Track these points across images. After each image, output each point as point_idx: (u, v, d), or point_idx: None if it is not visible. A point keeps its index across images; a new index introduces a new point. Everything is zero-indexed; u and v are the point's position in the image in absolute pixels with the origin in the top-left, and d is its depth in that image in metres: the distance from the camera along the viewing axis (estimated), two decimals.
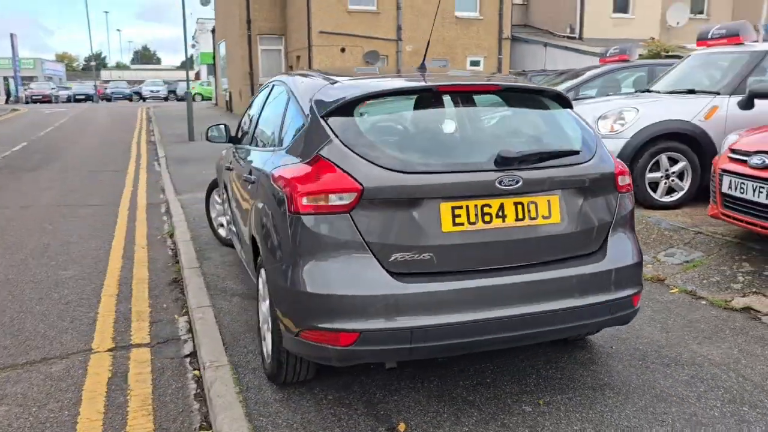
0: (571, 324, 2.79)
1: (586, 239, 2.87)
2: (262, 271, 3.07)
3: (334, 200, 2.62)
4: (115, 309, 4.50)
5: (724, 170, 4.79)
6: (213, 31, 37.21)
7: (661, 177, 6.29)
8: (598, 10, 25.86)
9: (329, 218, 2.63)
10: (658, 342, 3.65)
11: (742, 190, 4.59)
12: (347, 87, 3.00)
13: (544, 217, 2.76)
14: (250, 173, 3.56)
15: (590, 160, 2.90)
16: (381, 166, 2.63)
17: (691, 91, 6.64)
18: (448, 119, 2.95)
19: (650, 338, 3.70)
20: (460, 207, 2.66)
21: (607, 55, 9.73)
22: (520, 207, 2.74)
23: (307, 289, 2.64)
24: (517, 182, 2.69)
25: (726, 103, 6.30)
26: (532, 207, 2.75)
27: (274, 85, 4.07)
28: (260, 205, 3.14)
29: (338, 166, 2.66)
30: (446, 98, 2.96)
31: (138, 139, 17.93)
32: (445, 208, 2.64)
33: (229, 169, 4.73)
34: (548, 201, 2.79)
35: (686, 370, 3.28)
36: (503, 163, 2.70)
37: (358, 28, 21.93)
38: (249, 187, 3.56)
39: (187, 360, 3.66)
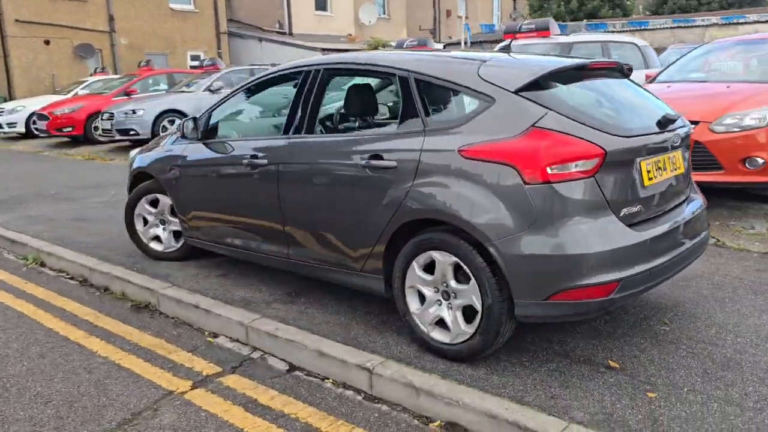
0: (698, 254, 3.49)
1: (689, 184, 3.61)
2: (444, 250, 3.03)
3: (579, 166, 2.80)
4: None
5: None
6: None
7: None
8: (302, 7, 27.23)
9: (575, 183, 2.79)
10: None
11: None
12: (523, 63, 3.14)
13: (677, 168, 3.39)
14: (371, 158, 3.33)
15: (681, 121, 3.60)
16: (606, 132, 2.90)
17: None
18: (605, 90, 3.34)
19: None
20: (650, 163, 3.11)
21: (405, 47, 10.72)
22: (673, 160, 3.32)
23: (565, 251, 2.77)
24: (678, 141, 3.27)
25: None
26: (675, 160, 3.35)
27: (323, 72, 3.74)
28: (449, 184, 3.04)
29: (571, 135, 2.83)
30: (591, 73, 3.35)
31: None
32: (644, 165, 3.06)
33: (233, 168, 4.17)
34: (681, 154, 3.43)
35: None
36: (665, 125, 3.24)
37: (65, 18, 19.19)
38: (373, 173, 3.34)
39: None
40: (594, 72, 3.39)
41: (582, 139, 2.81)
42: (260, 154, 3.93)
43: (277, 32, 26.65)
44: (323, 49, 25.70)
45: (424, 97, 3.26)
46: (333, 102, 4.15)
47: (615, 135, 2.90)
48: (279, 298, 4.16)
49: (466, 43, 18.73)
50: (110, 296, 4.66)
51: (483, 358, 3.16)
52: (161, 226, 4.99)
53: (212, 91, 12.72)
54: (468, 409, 2.80)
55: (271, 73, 4.14)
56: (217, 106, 4.44)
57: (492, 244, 2.88)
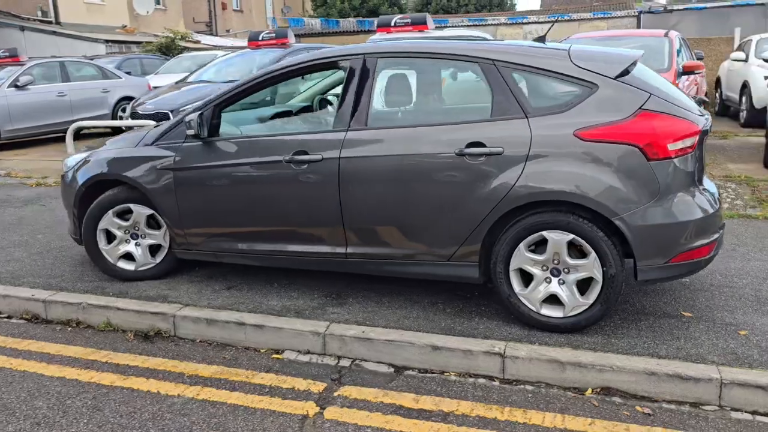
0: None
1: None
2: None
3: (687, 142, 3.16)
4: None
5: None
6: None
7: None
8: None
9: (685, 158, 3.14)
10: None
11: None
12: (608, 52, 3.38)
13: None
14: (468, 146, 3.29)
15: None
16: (691, 112, 3.29)
17: None
18: (656, 77, 3.71)
19: None
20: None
21: (260, 38, 10.23)
22: None
23: (683, 218, 3.12)
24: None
25: None
26: None
27: (381, 60, 3.60)
28: (568, 166, 3.15)
29: (675, 115, 3.16)
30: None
31: None
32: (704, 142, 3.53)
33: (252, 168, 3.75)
34: None
35: None
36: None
37: None
38: (471, 161, 3.32)
39: None
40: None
41: (684, 118, 3.19)
42: (310, 151, 3.62)
43: (40, 21, 23.27)
44: (106, 41, 23.20)
45: (519, 84, 3.35)
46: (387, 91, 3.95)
47: (696, 115, 3.33)
48: (324, 302, 3.89)
49: None
50: (91, 330, 3.88)
51: (591, 327, 3.39)
52: (133, 242, 4.26)
53: (18, 87, 10.81)
54: (621, 372, 3.01)
55: (306, 61, 3.82)
56: (224, 100, 3.95)
57: (620, 218, 3.11)
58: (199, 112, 3.85)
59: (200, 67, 11.09)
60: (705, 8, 15.90)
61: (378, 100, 3.63)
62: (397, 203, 3.50)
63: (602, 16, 16.30)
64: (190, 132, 3.81)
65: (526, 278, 3.39)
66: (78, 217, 4.32)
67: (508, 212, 3.30)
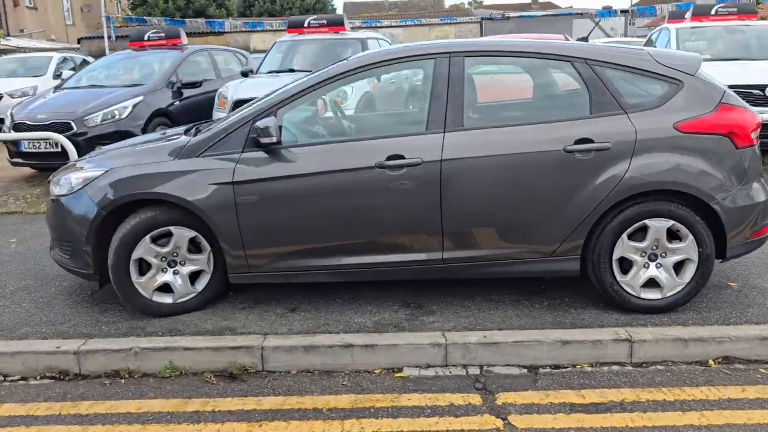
0: None
1: None
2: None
3: (758, 132, 3.57)
4: None
5: None
6: None
7: None
8: None
9: (757, 146, 3.57)
10: None
11: None
12: (677, 52, 3.67)
13: None
14: (577, 143, 3.37)
15: None
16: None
17: None
18: None
19: None
20: None
21: (146, 38, 9.16)
22: None
23: (761, 199, 3.52)
24: None
25: None
26: None
27: (459, 63, 3.51)
28: (670, 157, 3.37)
29: (747, 109, 3.56)
30: None
31: None
32: None
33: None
34: None
35: None
36: None
37: None
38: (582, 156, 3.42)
39: None
40: None
41: (751, 111, 3.60)
42: (407, 155, 3.44)
43: None
44: None
45: (613, 82, 3.51)
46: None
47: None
48: (411, 312, 3.71)
49: (110, 37, 16.77)
50: (153, 379, 3.29)
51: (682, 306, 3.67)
52: (170, 270, 3.68)
53: None
54: (738, 341, 3.32)
55: (384, 59, 3.60)
56: (288, 102, 3.58)
57: (717, 202, 3.43)
58: (270, 116, 3.45)
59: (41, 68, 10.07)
60: (537, 16, 17.68)
61: (470, 99, 3.55)
62: (501, 204, 3.48)
63: (449, 21, 17.35)
64: (267, 140, 3.39)
65: (625, 266, 3.57)
66: (95, 248, 3.61)
67: (614, 204, 3.45)
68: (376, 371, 3.31)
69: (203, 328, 3.56)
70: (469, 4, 51.97)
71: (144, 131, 7.29)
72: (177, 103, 8.03)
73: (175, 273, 3.68)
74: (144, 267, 3.63)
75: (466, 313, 3.68)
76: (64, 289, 4.19)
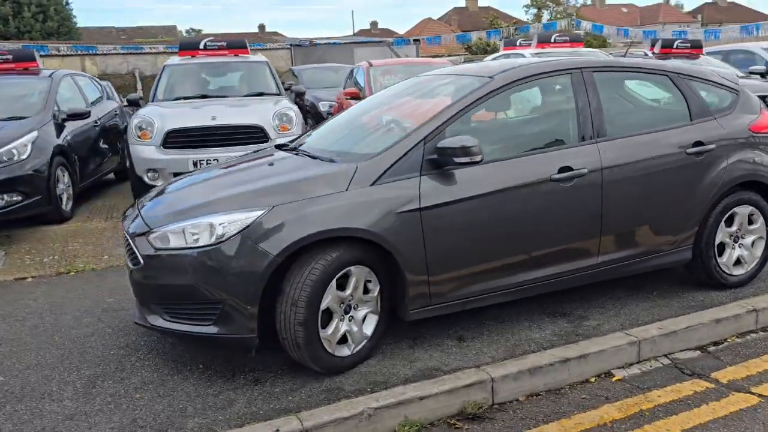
0: None
1: None
2: None
3: None
4: None
5: None
6: None
7: None
8: None
9: None
10: None
11: None
12: (716, 70, 4.38)
13: None
14: (694, 145, 3.84)
15: None
16: None
17: None
18: None
19: None
20: None
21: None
22: None
23: None
24: None
25: None
26: None
27: (597, 74, 3.79)
28: (752, 154, 4.01)
29: None
30: None
31: None
32: None
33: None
34: None
35: None
36: None
37: None
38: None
39: None
40: None
41: None
42: (576, 166, 3.57)
43: None
44: None
45: (700, 91, 4.10)
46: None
47: None
48: (567, 321, 3.81)
49: None
50: None
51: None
52: (346, 317, 3.23)
53: None
54: None
55: (522, 76, 3.67)
56: (451, 122, 3.43)
57: None
58: (461, 135, 3.29)
59: None
60: (339, 44, 18.40)
61: (604, 113, 3.81)
62: (645, 204, 3.81)
63: (259, 48, 17.09)
64: (464, 159, 3.21)
65: (719, 249, 4.16)
66: (260, 302, 3.01)
67: (718, 198, 4.03)
68: (592, 380, 3.37)
69: (403, 374, 3.20)
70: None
71: (49, 176, 5.95)
72: (69, 137, 6.68)
73: (350, 320, 3.24)
74: (326, 318, 3.13)
75: (609, 312, 3.91)
76: (180, 368, 3.33)
